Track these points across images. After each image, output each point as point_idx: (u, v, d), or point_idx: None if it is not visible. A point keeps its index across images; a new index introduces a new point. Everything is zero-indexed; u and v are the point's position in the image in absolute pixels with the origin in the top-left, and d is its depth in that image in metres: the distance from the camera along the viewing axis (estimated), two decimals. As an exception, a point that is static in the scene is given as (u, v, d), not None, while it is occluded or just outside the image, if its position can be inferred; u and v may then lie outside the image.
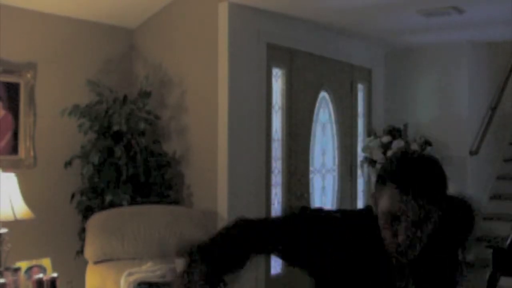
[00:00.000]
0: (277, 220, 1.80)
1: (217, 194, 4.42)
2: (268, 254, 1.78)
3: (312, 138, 5.31)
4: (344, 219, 1.66)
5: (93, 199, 4.26)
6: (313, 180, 5.34)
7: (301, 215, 1.71)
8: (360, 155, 5.95)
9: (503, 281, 4.41)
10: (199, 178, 4.57)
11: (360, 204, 5.93)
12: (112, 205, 4.15)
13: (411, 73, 6.32)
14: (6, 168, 3.79)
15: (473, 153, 5.99)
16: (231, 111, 4.38)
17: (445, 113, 6.10)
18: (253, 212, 4.57)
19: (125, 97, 4.46)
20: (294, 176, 5.03)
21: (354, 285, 1.57)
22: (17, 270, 3.40)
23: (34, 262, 3.60)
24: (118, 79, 4.80)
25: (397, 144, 5.64)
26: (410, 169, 1.51)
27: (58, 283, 3.41)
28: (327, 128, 5.57)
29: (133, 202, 4.26)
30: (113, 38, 4.83)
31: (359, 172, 5.89)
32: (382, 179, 1.53)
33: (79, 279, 3.89)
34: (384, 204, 1.51)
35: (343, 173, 5.74)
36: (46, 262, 3.65)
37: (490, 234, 5.97)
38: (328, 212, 1.73)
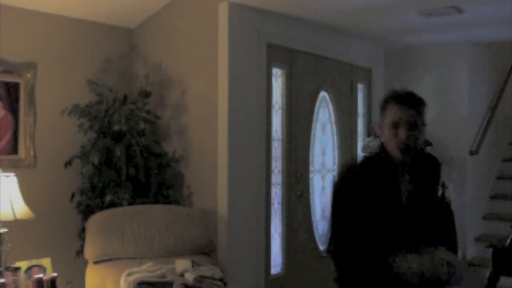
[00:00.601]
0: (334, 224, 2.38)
1: (217, 194, 4.42)
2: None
3: (312, 138, 5.31)
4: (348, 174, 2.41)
5: (93, 199, 4.26)
6: (313, 180, 5.34)
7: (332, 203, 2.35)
8: (360, 155, 5.95)
9: (503, 281, 4.41)
10: (199, 178, 4.57)
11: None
12: (112, 205, 4.15)
13: (411, 73, 6.32)
14: (6, 168, 3.79)
15: (473, 153, 5.99)
16: (231, 111, 4.38)
17: (445, 113, 6.09)
18: (253, 212, 4.57)
19: (125, 97, 4.46)
20: (294, 176, 5.03)
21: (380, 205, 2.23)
22: (17, 270, 3.41)
23: (34, 262, 3.60)
24: (118, 79, 4.80)
25: (397, 144, 5.64)
26: (403, 92, 2.31)
27: (58, 283, 3.42)
28: (327, 128, 5.57)
29: (133, 202, 4.26)
30: (113, 38, 4.83)
31: (359, 172, 5.88)
32: (384, 103, 2.33)
33: (79, 279, 3.89)
34: (387, 118, 2.27)
35: (343, 173, 5.73)
36: (46, 262, 3.65)
37: (490, 234, 5.98)
38: (337, 183, 2.46)
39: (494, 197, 6.46)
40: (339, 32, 5.46)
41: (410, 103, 2.23)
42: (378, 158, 2.32)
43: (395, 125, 2.23)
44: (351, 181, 2.34)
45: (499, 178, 6.63)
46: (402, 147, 2.21)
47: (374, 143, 5.75)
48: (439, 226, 2.39)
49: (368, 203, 2.23)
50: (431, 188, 2.34)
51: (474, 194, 6.15)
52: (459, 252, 5.78)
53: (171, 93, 4.71)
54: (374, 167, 2.31)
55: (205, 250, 4.12)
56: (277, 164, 4.93)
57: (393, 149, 2.25)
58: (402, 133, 2.22)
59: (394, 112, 2.25)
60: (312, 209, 5.27)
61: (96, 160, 4.14)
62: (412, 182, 2.27)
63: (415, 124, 2.23)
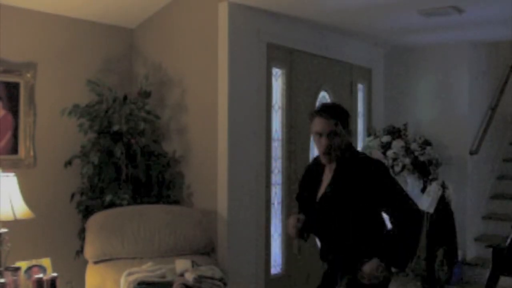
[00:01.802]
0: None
1: (217, 194, 4.42)
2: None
3: (312, 138, 5.30)
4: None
5: (93, 199, 4.26)
6: (313, 180, 5.33)
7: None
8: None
9: (503, 281, 4.41)
10: (199, 178, 4.57)
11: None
12: (112, 205, 4.15)
13: (411, 73, 6.32)
14: (6, 168, 3.79)
15: (473, 153, 5.99)
16: (231, 111, 4.38)
17: (445, 113, 6.10)
18: (253, 212, 4.57)
19: (125, 97, 4.46)
20: (294, 176, 5.03)
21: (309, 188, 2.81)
22: (17, 270, 3.40)
23: (34, 262, 3.60)
24: (118, 79, 4.80)
25: (397, 144, 5.64)
26: (325, 106, 2.79)
27: (58, 283, 3.42)
28: (327, 128, 5.57)
29: (133, 202, 4.26)
30: (113, 38, 4.83)
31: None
32: (310, 116, 2.67)
33: (79, 279, 3.89)
34: (313, 128, 2.66)
35: (343, 173, 5.73)
36: (46, 262, 3.65)
37: (490, 234, 5.98)
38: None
39: (494, 197, 6.46)
40: (339, 32, 5.46)
41: (330, 115, 2.61)
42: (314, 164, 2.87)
43: (319, 135, 2.63)
44: (306, 169, 2.99)
45: (499, 178, 6.63)
46: (325, 151, 2.63)
47: (374, 143, 5.76)
48: (358, 225, 2.63)
49: (304, 188, 2.89)
50: (356, 189, 2.59)
51: (474, 194, 6.15)
52: (459, 252, 5.79)
53: (171, 93, 4.71)
54: (315, 164, 2.84)
55: (205, 250, 4.12)
56: (277, 164, 4.93)
57: (319, 151, 2.68)
58: (324, 141, 2.61)
59: (317, 123, 2.64)
60: (312, 209, 5.26)
61: (96, 160, 4.14)
62: (333, 182, 2.67)
63: (334, 133, 2.60)
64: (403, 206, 2.58)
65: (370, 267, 2.52)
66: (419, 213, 2.62)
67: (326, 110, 2.64)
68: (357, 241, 2.62)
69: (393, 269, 2.63)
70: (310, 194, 2.80)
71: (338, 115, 2.64)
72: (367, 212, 2.63)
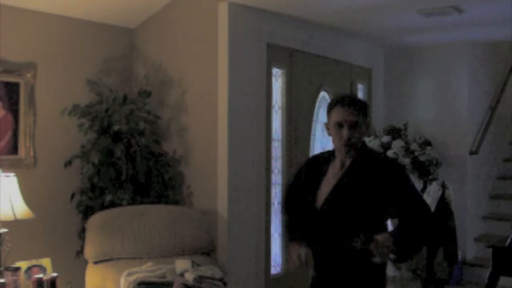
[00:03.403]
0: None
1: (217, 194, 4.42)
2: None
3: (312, 138, 5.31)
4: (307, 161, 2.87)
5: (93, 199, 4.26)
6: (313, 180, 5.33)
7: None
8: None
9: (503, 281, 4.41)
10: (199, 178, 4.57)
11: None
12: (112, 205, 4.15)
13: (411, 73, 6.32)
14: (6, 168, 3.79)
15: (473, 153, 5.99)
16: (231, 111, 4.38)
17: (445, 113, 6.09)
18: (253, 212, 4.57)
19: (125, 97, 4.46)
20: (294, 176, 5.03)
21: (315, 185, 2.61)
22: (17, 270, 3.40)
23: (34, 262, 3.60)
24: (118, 79, 4.80)
25: (397, 144, 5.64)
26: (346, 96, 2.59)
27: (58, 283, 3.42)
28: (327, 128, 5.57)
29: (133, 202, 4.26)
30: (113, 38, 4.83)
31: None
32: (330, 106, 2.55)
33: (79, 279, 3.89)
34: (333, 119, 2.52)
35: (343, 173, 5.73)
36: (46, 262, 3.65)
37: (490, 234, 5.98)
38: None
39: (494, 197, 6.46)
40: (339, 32, 5.46)
41: (352, 105, 2.50)
42: (326, 154, 2.70)
43: (339, 126, 2.50)
44: (304, 165, 2.82)
45: (499, 178, 6.63)
46: (346, 143, 2.49)
47: (374, 143, 5.76)
48: (370, 221, 2.48)
49: (305, 185, 2.69)
50: (370, 186, 2.46)
51: (474, 194, 6.15)
52: (459, 252, 5.79)
53: (171, 93, 4.71)
54: (320, 160, 2.69)
55: (205, 250, 4.12)
56: (277, 164, 4.93)
57: (338, 146, 2.55)
58: (345, 132, 2.48)
59: (337, 113, 2.50)
60: (312, 209, 5.26)
61: (96, 160, 4.14)
62: (346, 176, 2.53)
63: (356, 124, 2.48)
64: (421, 208, 2.46)
65: (383, 237, 2.35)
66: (433, 218, 2.53)
67: (348, 100, 2.51)
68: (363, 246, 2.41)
69: (391, 256, 2.45)
70: (309, 197, 2.60)
71: (360, 106, 2.52)
72: (377, 216, 2.48)
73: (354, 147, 2.52)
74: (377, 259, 2.38)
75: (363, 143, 2.60)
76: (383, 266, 2.55)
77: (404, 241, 2.41)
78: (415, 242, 2.48)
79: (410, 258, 2.67)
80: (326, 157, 2.66)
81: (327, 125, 2.59)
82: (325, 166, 2.62)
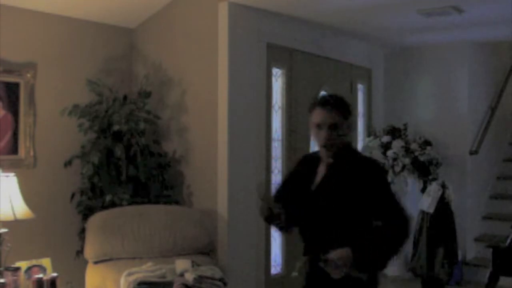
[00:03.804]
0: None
1: (217, 194, 4.42)
2: None
3: (311, 138, 5.30)
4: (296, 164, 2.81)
5: (93, 199, 4.26)
6: (313, 180, 5.33)
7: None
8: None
9: (503, 281, 4.41)
10: (199, 178, 4.57)
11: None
12: (112, 205, 4.15)
13: (411, 73, 6.32)
14: (6, 168, 3.79)
15: (473, 153, 5.99)
16: (231, 111, 4.38)
17: (445, 113, 6.09)
18: (253, 212, 4.56)
19: (125, 97, 4.46)
20: (294, 176, 5.03)
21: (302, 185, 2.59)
22: (17, 270, 3.40)
23: (34, 262, 3.60)
24: (118, 79, 4.80)
25: (397, 144, 5.64)
26: (326, 96, 2.58)
27: (58, 283, 3.41)
28: (327, 128, 5.57)
29: (133, 202, 4.26)
30: (113, 38, 4.83)
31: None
32: (310, 107, 2.53)
33: (79, 279, 3.89)
34: (312, 120, 2.50)
35: (343, 173, 5.73)
36: (46, 262, 3.65)
37: (490, 234, 5.98)
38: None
39: (494, 197, 6.46)
40: (339, 32, 5.46)
41: (332, 106, 2.45)
42: (318, 153, 2.64)
43: (319, 127, 2.47)
44: (295, 165, 2.82)
45: (499, 178, 6.63)
46: (325, 144, 2.47)
47: (374, 143, 5.76)
48: (348, 223, 2.45)
49: (292, 183, 2.71)
50: (348, 187, 2.42)
51: (474, 194, 6.15)
52: (459, 252, 5.79)
53: (171, 93, 4.71)
54: (309, 159, 2.68)
55: (205, 250, 4.12)
56: (277, 164, 4.93)
57: (319, 143, 2.52)
58: (323, 133, 2.45)
59: (317, 114, 2.48)
60: (312, 209, 5.26)
61: (96, 160, 4.14)
62: (328, 176, 2.51)
63: (335, 125, 2.44)
64: (396, 213, 2.41)
65: (337, 254, 2.32)
66: (409, 222, 2.44)
67: (328, 101, 2.47)
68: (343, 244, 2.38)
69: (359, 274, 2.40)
70: (301, 191, 2.58)
71: (340, 107, 2.47)
72: (358, 215, 2.44)
73: (334, 148, 2.47)
74: (334, 276, 2.34)
75: (348, 144, 2.55)
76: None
77: (376, 253, 2.37)
78: (387, 252, 2.42)
79: (379, 268, 2.50)
80: (318, 156, 2.61)
81: (309, 126, 2.57)
82: (316, 165, 2.58)
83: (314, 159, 2.62)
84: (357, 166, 2.48)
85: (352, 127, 2.60)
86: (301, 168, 2.70)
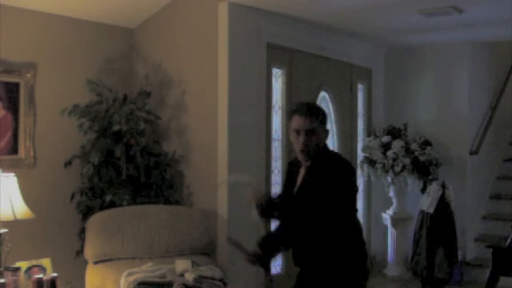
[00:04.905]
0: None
1: (217, 194, 4.41)
2: None
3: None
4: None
5: (93, 199, 4.26)
6: (313, 180, 5.33)
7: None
8: (360, 155, 5.95)
9: (503, 281, 4.41)
10: (199, 178, 4.57)
11: (359, 204, 5.92)
12: (112, 205, 4.15)
13: (411, 73, 6.32)
14: (6, 168, 3.79)
15: (473, 153, 5.99)
16: (231, 111, 4.38)
17: (445, 113, 6.09)
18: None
19: (125, 97, 4.46)
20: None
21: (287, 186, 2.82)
22: (17, 270, 3.40)
23: (34, 262, 3.60)
24: (118, 79, 4.80)
25: (397, 144, 5.64)
26: (304, 104, 2.72)
27: (58, 283, 3.41)
28: (327, 128, 5.57)
29: (133, 202, 4.26)
30: (113, 38, 4.83)
31: (359, 172, 5.89)
32: (289, 114, 2.71)
33: (79, 279, 3.89)
34: (291, 126, 2.66)
35: (343, 173, 5.72)
36: (46, 262, 3.65)
37: (490, 234, 5.98)
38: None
39: (494, 197, 6.46)
40: (339, 32, 5.46)
41: (309, 113, 2.62)
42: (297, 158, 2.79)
43: (297, 133, 2.63)
44: (288, 164, 2.98)
45: (499, 178, 6.63)
46: (303, 149, 2.62)
47: (374, 143, 5.76)
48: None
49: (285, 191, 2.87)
50: (321, 190, 2.56)
51: (474, 194, 6.15)
52: (459, 252, 5.79)
53: (171, 93, 4.71)
54: (294, 164, 2.82)
55: (205, 250, 4.12)
56: (277, 164, 4.93)
57: (296, 152, 2.68)
58: (301, 139, 2.61)
59: (295, 121, 2.64)
60: (312, 209, 5.26)
61: (96, 160, 4.14)
62: (303, 183, 2.68)
63: (312, 131, 2.60)
64: (301, 212, 2.59)
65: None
66: (301, 226, 2.61)
67: (305, 108, 2.65)
68: (322, 247, 2.59)
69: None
70: (287, 195, 2.80)
71: (316, 114, 2.65)
72: (338, 216, 2.57)
73: (312, 152, 2.63)
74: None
75: (324, 147, 2.69)
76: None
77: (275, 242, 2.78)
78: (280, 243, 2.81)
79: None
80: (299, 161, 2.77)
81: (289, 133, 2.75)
82: (298, 169, 2.75)
83: (297, 163, 2.78)
84: (328, 169, 2.61)
85: (328, 133, 2.75)
86: (288, 175, 2.89)
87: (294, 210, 2.65)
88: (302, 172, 2.72)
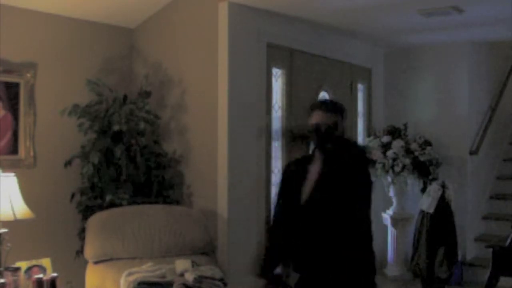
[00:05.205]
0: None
1: (217, 194, 4.42)
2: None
3: (312, 138, 5.30)
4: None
5: (93, 199, 4.26)
6: (313, 180, 5.33)
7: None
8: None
9: (503, 281, 4.41)
10: (199, 178, 4.57)
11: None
12: (112, 205, 4.15)
13: (411, 73, 6.32)
14: (6, 168, 3.79)
15: (473, 153, 5.99)
16: (231, 111, 4.38)
17: (445, 113, 6.09)
18: (253, 212, 4.57)
19: (125, 97, 4.46)
20: (294, 176, 5.03)
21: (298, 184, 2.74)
22: (17, 270, 3.40)
23: (34, 262, 3.60)
24: (118, 79, 4.80)
25: (397, 144, 5.64)
26: (323, 100, 3.21)
27: (58, 283, 3.41)
28: (327, 128, 5.56)
29: (133, 202, 4.26)
30: (113, 38, 4.83)
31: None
32: (310, 109, 2.75)
33: (79, 279, 3.89)
34: (311, 121, 2.70)
35: (343, 173, 5.72)
36: (46, 262, 3.65)
37: (490, 234, 5.98)
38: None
39: (494, 197, 6.46)
40: (339, 32, 5.46)
41: (329, 109, 2.70)
42: (306, 156, 2.86)
43: (317, 128, 2.68)
44: (285, 168, 3.05)
45: (499, 178, 6.62)
46: (321, 144, 2.69)
47: (374, 143, 5.76)
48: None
49: (286, 185, 2.88)
50: (340, 183, 2.61)
51: (474, 194, 6.14)
52: (459, 252, 5.79)
53: (171, 93, 4.71)
54: (299, 163, 2.86)
55: (205, 250, 4.12)
56: (277, 164, 4.92)
57: (315, 147, 2.74)
58: (321, 133, 2.67)
59: (315, 115, 2.70)
60: (312, 209, 5.26)
61: (96, 160, 4.14)
62: (325, 171, 2.66)
63: (332, 126, 2.67)
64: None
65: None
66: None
67: (326, 104, 2.77)
68: (344, 248, 2.59)
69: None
70: (293, 198, 2.74)
71: (337, 110, 2.73)
72: (357, 214, 2.63)
73: (331, 147, 2.67)
74: None
75: (343, 139, 2.74)
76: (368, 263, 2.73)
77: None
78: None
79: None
80: (307, 158, 2.81)
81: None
82: (306, 167, 2.77)
83: (300, 163, 2.82)
84: (345, 164, 2.65)
85: (346, 130, 2.81)
86: (287, 181, 2.90)
87: (319, 207, 2.62)
88: (314, 168, 2.71)
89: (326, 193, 2.61)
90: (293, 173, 2.85)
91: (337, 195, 2.58)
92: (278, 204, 2.95)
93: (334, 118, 2.69)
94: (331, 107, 2.74)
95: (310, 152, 2.87)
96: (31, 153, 4.25)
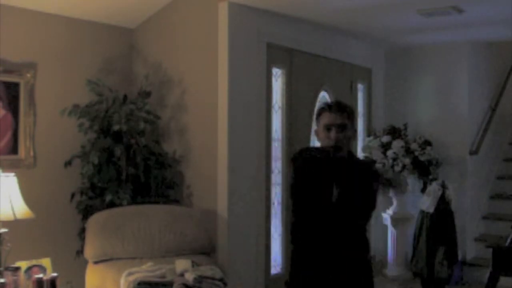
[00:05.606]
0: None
1: (217, 194, 4.42)
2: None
3: (312, 138, 5.30)
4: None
5: (93, 199, 4.26)
6: (313, 180, 5.32)
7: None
8: (360, 155, 5.95)
9: (503, 281, 4.40)
10: (199, 178, 4.57)
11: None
12: (112, 205, 4.15)
13: (411, 72, 6.31)
14: (6, 168, 3.79)
15: (473, 153, 5.99)
16: (231, 111, 4.38)
17: (445, 113, 6.09)
18: (253, 212, 4.57)
19: (125, 97, 4.46)
20: (294, 176, 5.03)
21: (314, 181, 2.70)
22: (17, 270, 3.40)
23: (34, 262, 3.60)
24: (118, 79, 4.80)
25: (397, 144, 5.64)
26: (334, 102, 2.92)
27: (58, 283, 3.41)
28: (327, 128, 5.56)
29: (133, 202, 4.26)
30: (113, 38, 4.83)
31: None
32: (318, 112, 2.75)
33: (79, 279, 3.89)
34: (322, 122, 2.71)
35: (343, 173, 5.72)
36: (46, 262, 3.65)
37: (490, 234, 5.98)
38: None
39: (494, 197, 6.45)
40: (339, 32, 5.46)
41: (341, 110, 2.71)
42: (318, 152, 2.78)
43: (328, 129, 2.68)
44: (304, 159, 2.80)
45: (499, 178, 6.62)
46: (334, 145, 2.67)
47: (374, 143, 5.76)
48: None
49: (307, 180, 2.74)
50: (358, 187, 2.71)
51: (474, 194, 6.14)
52: (459, 252, 5.79)
53: (171, 93, 4.71)
54: (314, 156, 2.77)
55: (205, 250, 4.12)
56: (277, 164, 4.93)
57: (327, 144, 2.70)
58: (333, 133, 2.66)
59: (327, 116, 2.70)
60: (312, 209, 5.26)
61: (96, 160, 4.14)
62: (345, 182, 2.68)
63: (344, 126, 2.68)
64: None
65: None
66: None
67: (337, 105, 2.75)
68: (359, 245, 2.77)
69: None
70: (320, 195, 2.68)
71: (348, 111, 2.75)
72: (370, 215, 2.87)
73: (345, 147, 2.71)
74: None
75: (349, 151, 2.79)
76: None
77: None
78: None
79: None
80: (320, 152, 2.75)
81: (316, 131, 2.79)
82: (322, 162, 2.73)
83: (312, 159, 2.76)
84: (361, 166, 2.84)
85: (356, 133, 2.91)
86: (307, 170, 2.75)
87: (348, 204, 2.68)
88: (329, 166, 2.69)
89: (351, 191, 2.68)
90: (312, 169, 2.72)
91: (359, 193, 2.70)
92: (299, 201, 2.74)
93: (344, 119, 2.71)
94: (341, 107, 2.75)
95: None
96: (31, 153, 4.26)
